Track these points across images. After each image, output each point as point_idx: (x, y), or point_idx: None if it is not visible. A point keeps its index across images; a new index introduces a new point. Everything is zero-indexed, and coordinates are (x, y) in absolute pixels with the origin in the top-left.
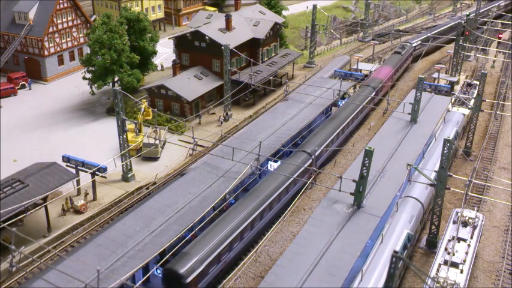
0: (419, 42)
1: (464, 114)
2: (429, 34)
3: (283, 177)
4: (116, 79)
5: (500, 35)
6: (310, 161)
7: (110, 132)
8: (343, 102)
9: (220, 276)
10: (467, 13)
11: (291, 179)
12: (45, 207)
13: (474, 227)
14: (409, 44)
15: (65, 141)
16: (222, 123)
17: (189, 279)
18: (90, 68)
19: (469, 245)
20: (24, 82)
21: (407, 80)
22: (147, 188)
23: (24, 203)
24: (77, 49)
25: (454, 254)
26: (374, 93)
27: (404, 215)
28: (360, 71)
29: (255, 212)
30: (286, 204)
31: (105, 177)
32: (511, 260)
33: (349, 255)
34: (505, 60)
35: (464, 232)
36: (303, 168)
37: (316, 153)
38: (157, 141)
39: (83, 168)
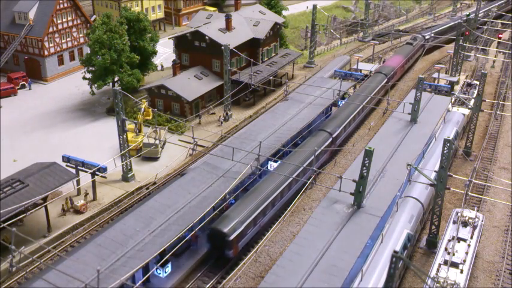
0: (432, 34)
1: (464, 114)
2: (444, 27)
3: (307, 152)
4: (116, 79)
5: (500, 35)
6: (331, 139)
7: (110, 132)
8: (352, 93)
9: (255, 239)
10: (467, 13)
11: (313, 156)
12: (45, 207)
13: (474, 227)
14: (420, 36)
15: (65, 141)
16: (222, 123)
17: (232, 237)
18: (90, 68)
19: (469, 245)
20: (24, 82)
21: (407, 80)
22: (147, 188)
23: (24, 203)
24: (77, 49)
25: (454, 254)
26: (386, 80)
27: (404, 215)
28: (360, 71)
29: (284, 183)
30: (287, 204)
31: (105, 177)
32: (511, 260)
33: (349, 255)
34: (505, 60)
35: (464, 232)
36: (324, 146)
37: (335, 134)
38: (157, 141)
39: (83, 168)
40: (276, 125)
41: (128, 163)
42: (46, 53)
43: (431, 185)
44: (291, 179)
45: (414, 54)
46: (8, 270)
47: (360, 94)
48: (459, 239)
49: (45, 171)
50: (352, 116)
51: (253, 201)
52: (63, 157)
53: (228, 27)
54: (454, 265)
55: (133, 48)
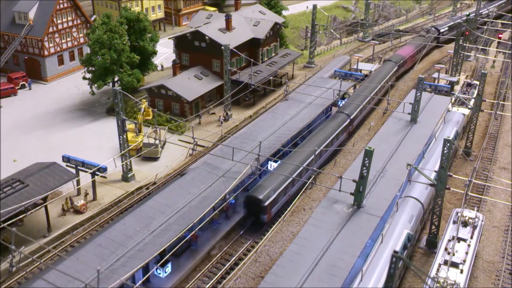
0: (447, 28)
1: (464, 114)
2: (459, 20)
3: (330, 130)
4: (116, 79)
5: (500, 35)
6: (349, 120)
7: (110, 132)
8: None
9: (285, 207)
10: (468, 13)
11: (313, 155)
12: (45, 207)
13: (474, 227)
14: (433, 29)
15: (65, 141)
16: (222, 123)
17: (266, 203)
18: (90, 68)
19: (469, 245)
20: (24, 82)
21: (407, 80)
22: (147, 188)
23: (24, 203)
24: (77, 49)
25: (454, 254)
26: (396, 67)
27: (404, 215)
28: (360, 71)
29: (310, 156)
30: (288, 203)
31: (105, 177)
32: (511, 260)
33: (349, 255)
34: (505, 60)
35: (464, 232)
36: (342, 127)
37: (353, 116)
38: (157, 141)
39: (83, 168)
40: (276, 125)
41: (128, 163)
42: (46, 53)
43: (431, 185)
44: (317, 152)
45: (425, 46)
46: (8, 270)
47: (373, 79)
48: (459, 239)
49: (45, 171)
50: (366, 100)
51: (288, 169)
52: (63, 157)
53: (228, 27)
54: (454, 265)
55: (133, 48)
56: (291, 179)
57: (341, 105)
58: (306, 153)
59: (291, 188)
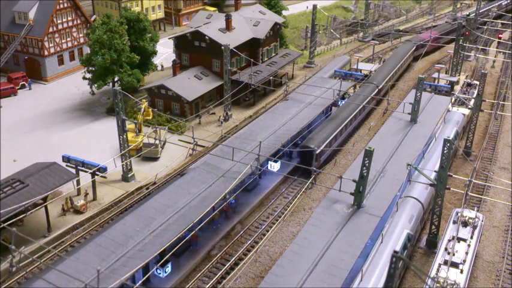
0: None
1: (464, 114)
2: (490, 7)
3: (361, 97)
4: (116, 79)
5: (500, 35)
6: (377, 90)
7: (110, 132)
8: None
9: (331, 156)
10: (468, 13)
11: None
12: (45, 207)
13: (474, 227)
14: (461, 17)
15: (65, 141)
16: (222, 123)
17: (317, 151)
18: (90, 68)
19: (469, 245)
20: (24, 82)
21: (407, 80)
22: (147, 188)
23: (24, 203)
24: (77, 49)
25: (454, 254)
26: (414, 47)
27: (404, 215)
28: (360, 71)
29: (353, 112)
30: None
31: (105, 177)
32: (511, 260)
33: (349, 255)
34: (505, 60)
35: (464, 232)
36: (372, 94)
37: (380, 86)
38: (157, 141)
39: (83, 168)
40: (276, 125)
41: (128, 163)
42: (46, 53)
43: (431, 185)
44: (357, 110)
45: (449, 33)
46: (8, 270)
47: (393, 57)
48: (459, 239)
49: (45, 171)
50: (392, 73)
51: (331, 126)
52: (63, 157)
53: (228, 27)
54: (454, 265)
55: (133, 48)
56: (336, 132)
57: (371, 75)
58: (349, 110)
59: (336, 140)
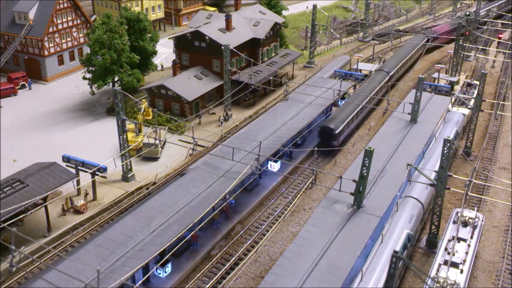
0: (485, 10)
1: (464, 114)
2: (502, 1)
3: (374, 84)
4: (116, 79)
5: (500, 35)
6: (388, 77)
7: (110, 132)
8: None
9: (348, 137)
10: (467, 13)
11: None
12: (45, 207)
13: (474, 227)
14: (474, 12)
15: (65, 141)
16: (222, 123)
17: (337, 131)
18: (90, 68)
19: (469, 245)
20: (24, 82)
21: (407, 80)
22: (147, 188)
23: (24, 203)
24: (77, 49)
25: (454, 254)
26: (426, 39)
27: (404, 215)
28: (360, 71)
29: (369, 95)
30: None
31: (105, 177)
32: (511, 260)
33: (349, 255)
34: (505, 60)
35: (464, 232)
36: (383, 82)
37: (392, 72)
38: (157, 141)
39: (83, 168)
40: (276, 125)
41: (128, 163)
42: (46, 53)
43: (431, 185)
44: (372, 94)
45: (462, 27)
46: (8, 270)
47: (406, 47)
48: (459, 239)
49: (45, 171)
50: (403, 61)
51: (348, 110)
52: (63, 157)
53: (228, 27)
54: (454, 265)
55: (133, 48)
56: (354, 113)
57: (384, 63)
58: (362, 96)
59: (354, 121)
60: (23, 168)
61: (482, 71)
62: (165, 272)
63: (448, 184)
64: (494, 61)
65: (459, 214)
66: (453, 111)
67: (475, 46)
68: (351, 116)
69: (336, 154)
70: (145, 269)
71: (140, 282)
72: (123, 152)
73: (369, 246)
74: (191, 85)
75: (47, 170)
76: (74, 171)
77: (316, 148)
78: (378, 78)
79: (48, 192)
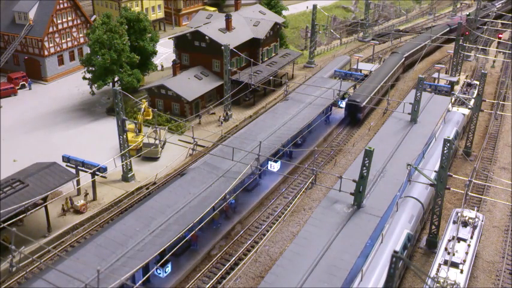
0: (501, 3)
1: (464, 114)
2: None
3: (391, 64)
4: (116, 79)
5: (500, 35)
6: (403, 59)
7: (110, 132)
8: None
9: (371, 110)
10: (468, 13)
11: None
12: (45, 207)
13: (474, 227)
14: (490, 4)
15: (65, 141)
16: (222, 123)
17: (362, 104)
18: (90, 68)
19: (469, 245)
20: (24, 82)
21: (407, 80)
22: (147, 188)
23: (24, 203)
24: (77, 49)
25: (454, 254)
26: (448, 29)
27: (404, 215)
28: (360, 71)
29: (385, 77)
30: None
31: (105, 177)
32: (511, 260)
33: (349, 255)
34: (505, 60)
35: (464, 232)
36: (399, 63)
37: (406, 54)
38: (157, 141)
39: (83, 168)
40: (276, 125)
41: (128, 163)
42: (46, 53)
43: (431, 185)
44: (388, 75)
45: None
46: (8, 270)
47: (427, 33)
48: (459, 239)
49: (45, 171)
50: (419, 47)
51: (370, 87)
52: (63, 157)
53: (228, 27)
54: (454, 265)
55: (133, 48)
56: (376, 89)
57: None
58: (381, 75)
59: (376, 96)
60: (23, 168)
61: (482, 71)
62: (165, 272)
63: (448, 184)
64: (494, 61)
65: (459, 214)
66: (453, 111)
67: (475, 46)
68: (373, 92)
69: (336, 154)
70: (145, 269)
71: (140, 282)
72: (123, 152)
73: (369, 246)
74: (191, 85)
75: (47, 170)
76: (74, 171)
77: (316, 148)
78: (394, 59)
79: (48, 192)
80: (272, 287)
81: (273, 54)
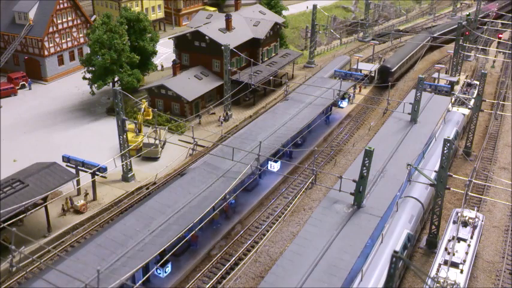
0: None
1: (464, 114)
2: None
3: (421, 40)
4: (116, 79)
5: (500, 35)
6: (429, 37)
7: (110, 132)
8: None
9: (400, 75)
10: (468, 13)
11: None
12: (45, 207)
13: (474, 227)
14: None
15: (65, 141)
16: (222, 123)
17: (393, 69)
18: (90, 68)
19: (469, 245)
20: (24, 82)
21: (407, 80)
22: (147, 188)
23: (24, 203)
24: (77, 49)
25: (454, 254)
26: (483, 14)
27: (404, 215)
28: (360, 71)
29: (415, 49)
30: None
31: (105, 177)
32: (511, 260)
33: (349, 255)
34: (505, 60)
35: (464, 232)
36: (425, 41)
37: (435, 35)
38: (157, 141)
39: (83, 168)
40: (276, 125)
41: (128, 163)
42: (46, 53)
43: (431, 185)
44: (421, 44)
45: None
46: (8, 270)
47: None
48: (459, 239)
49: (45, 171)
50: (450, 28)
51: (401, 55)
52: (63, 157)
53: (228, 27)
54: (454, 265)
55: (133, 48)
56: (405, 58)
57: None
58: (411, 46)
59: (406, 63)
60: (23, 168)
61: (482, 71)
62: (165, 272)
63: (448, 184)
64: (494, 61)
65: (459, 214)
66: (453, 111)
67: (475, 46)
68: (402, 61)
69: (336, 154)
70: (145, 269)
71: (140, 282)
72: (123, 152)
73: (369, 246)
74: (191, 85)
75: (47, 170)
76: (74, 171)
77: (316, 148)
78: (423, 37)
79: (48, 192)
80: (272, 287)
81: (273, 54)
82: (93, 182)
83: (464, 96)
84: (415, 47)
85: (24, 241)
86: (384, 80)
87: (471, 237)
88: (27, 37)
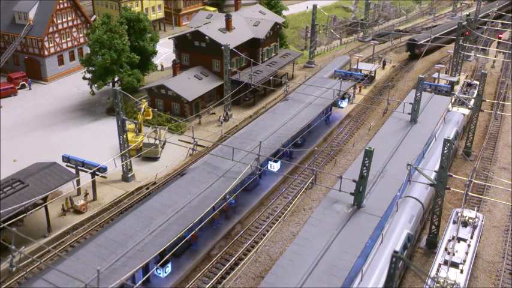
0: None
1: (464, 114)
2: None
3: (450, 25)
4: (116, 79)
5: (500, 35)
6: (460, 25)
7: (110, 132)
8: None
9: (427, 51)
10: (468, 13)
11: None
12: (45, 207)
13: (474, 227)
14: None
15: (65, 141)
16: (222, 123)
17: (419, 43)
18: (90, 68)
19: (469, 245)
20: (24, 82)
21: (407, 80)
22: (147, 188)
23: (24, 203)
24: (77, 49)
25: (454, 254)
26: (507, 3)
27: (404, 215)
28: (360, 71)
29: (444, 30)
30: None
31: (105, 177)
32: (511, 260)
33: (349, 255)
34: (505, 60)
35: (464, 232)
36: (453, 28)
37: (465, 22)
38: (157, 141)
39: (83, 168)
40: (276, 125)
41: (128, 163)
42: (46, 53)
43: (431, 185)
44: (448, 29)
45: None
46: (8, 270)
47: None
48: (459, 239)
49: (45, 171)
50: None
51: (427, 32)
52: (63, 157)
53: (228, 27)
54: (454, 265)
55: (133, 48)
56: (432, 37)
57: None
58: (440, 28)
59: (433, 40)
60: (23, 168)
61: (482, 71)
62: (165, 272)
63: (448, 184)
64: (494, 61)
65: (459, 214)
66: (453, 111)
67: (475, 46)
68: (429, 37)
69: (336, 154)
70: (145, 269)
71: (140, 282)
72: (123, 152)
73: (369, 246)
74: (191, 85)
75: (47, 170)
76: (74, 171)
77: (316, 148)
78: (453, 23)
79: (48, 192)
80: (272, 287)
81: (273, 54)
82: (93, 182)
83: (464, 96)
84: (444, 30)
85: (24, 241)
86: (412, 51)
87: (471, 237)
88: (27, 37)
